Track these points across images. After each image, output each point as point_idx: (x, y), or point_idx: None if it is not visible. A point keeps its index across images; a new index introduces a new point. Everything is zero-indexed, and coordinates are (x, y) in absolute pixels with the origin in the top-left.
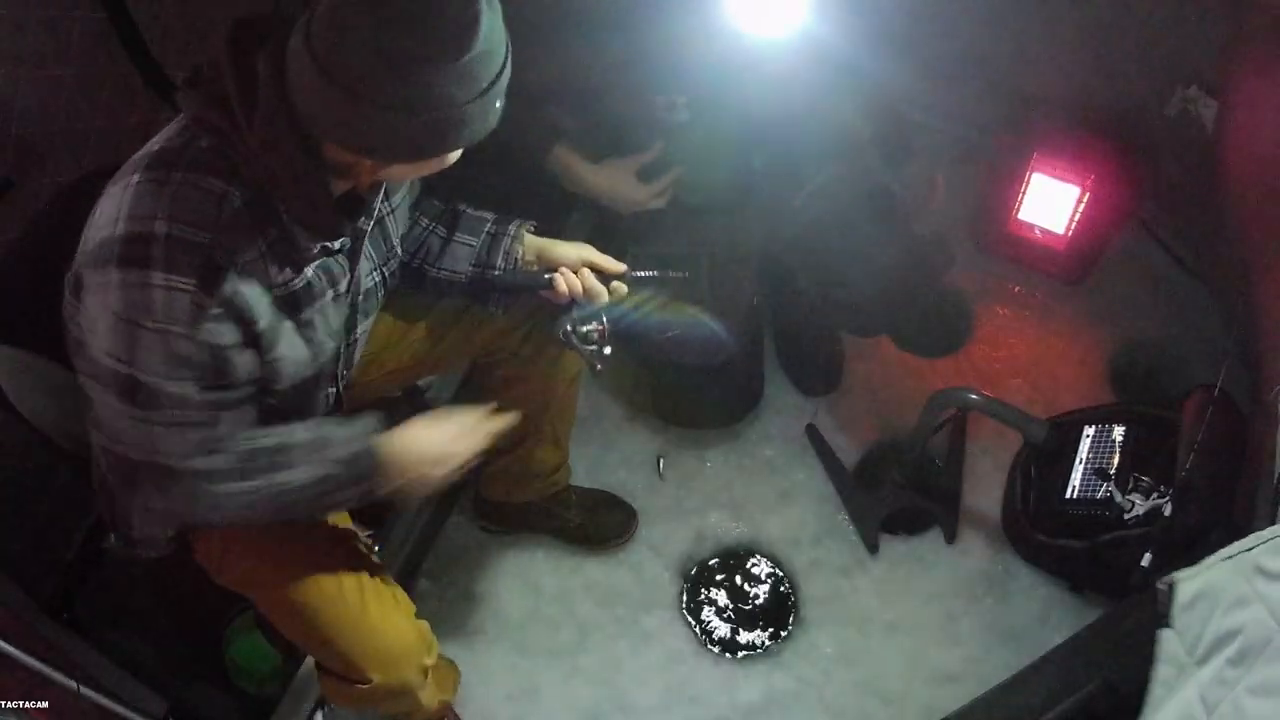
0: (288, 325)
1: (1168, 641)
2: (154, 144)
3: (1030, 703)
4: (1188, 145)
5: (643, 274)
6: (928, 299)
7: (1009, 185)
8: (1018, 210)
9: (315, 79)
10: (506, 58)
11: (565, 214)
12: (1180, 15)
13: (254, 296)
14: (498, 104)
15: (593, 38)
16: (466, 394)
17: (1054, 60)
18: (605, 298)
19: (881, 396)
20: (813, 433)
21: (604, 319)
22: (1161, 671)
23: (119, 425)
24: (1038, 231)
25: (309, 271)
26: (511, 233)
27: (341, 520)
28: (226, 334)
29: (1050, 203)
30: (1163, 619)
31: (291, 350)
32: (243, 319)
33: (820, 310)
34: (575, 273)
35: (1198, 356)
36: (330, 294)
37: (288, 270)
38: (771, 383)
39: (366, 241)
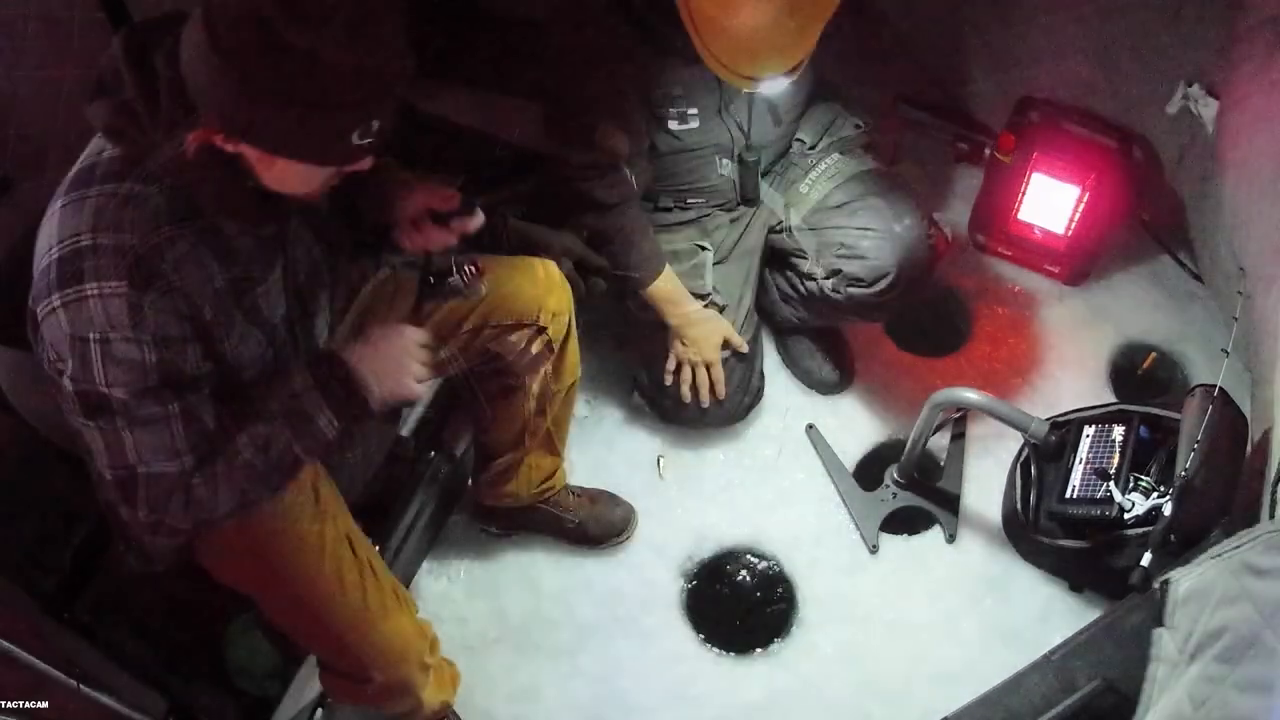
0: (237, 315)
1: (1162, 640)
2: (74, 168)
3: (1030, 703)
4: (1188, 145)
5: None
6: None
7: (1009, 185)
8: (1018, 210)
9: (209, 61)
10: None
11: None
12: (1180, 15)
13: (193, 288)
14: (362, 141)
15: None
16: (463, 400)
17: (1054, 60)
18: (454, 240)
19: (881, 396)
20: (813, 433)
21: (465, 263)
22: (1156, 670)
23: (97, 447)
24: (1038, 231)
25: (243, 258)
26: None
27: (342, 519)
28: (171, 326)
29: (1050, 203)
30: (1158, 618)
31: (246, 339)
32: (184, 312)
33: (832, 291)
34: (417, 224)
35: (1198, 356)
36: (270, 279)
37: (222, 260)
38: (771, 383)
39: (296, 223)
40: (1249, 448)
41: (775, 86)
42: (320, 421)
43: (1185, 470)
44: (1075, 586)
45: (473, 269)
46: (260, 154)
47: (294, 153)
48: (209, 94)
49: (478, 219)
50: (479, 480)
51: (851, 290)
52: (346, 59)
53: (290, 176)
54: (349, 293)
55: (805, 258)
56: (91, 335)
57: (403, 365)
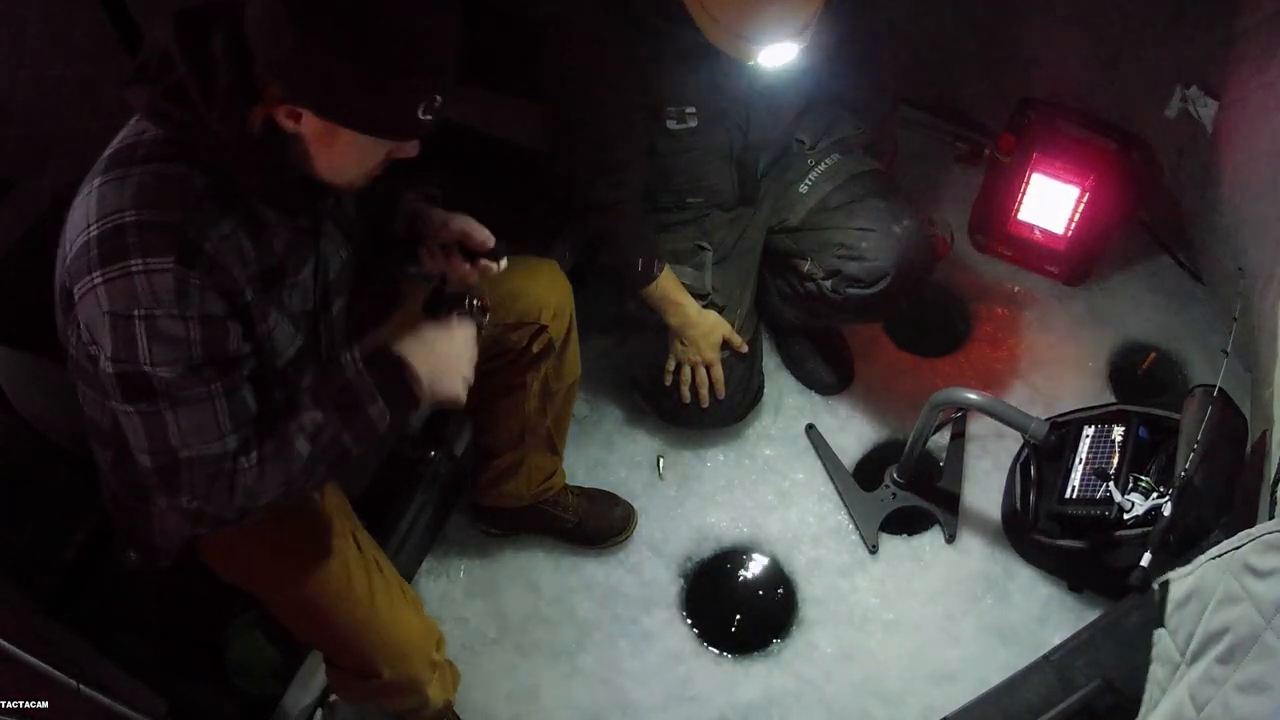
0: (269, 301)
1: (1161, 641)
2: (110, 148)
3: (1030, 703)
4: (1187, 146)
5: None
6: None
7: (1009, 185)
8: (1018, 210)
9: (285, 27)
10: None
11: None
12: (1180, 15)
13: (235, 269)
14: (425, 117)
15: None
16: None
17: (1054, 60)
18: (474, 279)
19: (882, 396)
20: (813, 433)
21: (480, 297)
22: (1155, 671)
23: (136, 432)
24: (1038, 232)
25: (279, 249)
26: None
27: (347, 518)
28: (216, 304)
29: (1050, 203)
30: (1158, 619)
31: (280, 324)
32: (227, 290)
33: (831, 292)
34: (446, 251)
35: (1198, 356)
36: (301, 273)
37: (259, 249)
38: (772, 383)
39: (329, 221)
40: (1248, 448)
41: (782, 55)
42: (372, 411)
43: (1185, 470)
44: (1075, 586)
45: (480, 305)
46: (323, 129)
47: (362, 123)
48: (283, 62)
49: (502, 265)
50: (478, 480)
51: (850, 291)
52: (428, 24)
53: (346, 156)
54: (368, 296)
55: (804, 258)
56: (136, 312)
57: (455, 366)
